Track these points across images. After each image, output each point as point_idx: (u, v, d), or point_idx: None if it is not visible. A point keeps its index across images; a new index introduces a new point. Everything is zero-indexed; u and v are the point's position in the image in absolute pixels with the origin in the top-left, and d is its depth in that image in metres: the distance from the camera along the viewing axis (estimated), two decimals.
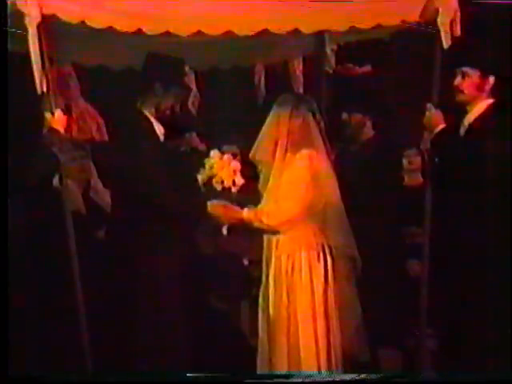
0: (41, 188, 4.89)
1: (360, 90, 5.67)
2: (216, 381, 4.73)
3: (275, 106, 4.82)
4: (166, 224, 5.09)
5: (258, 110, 6.65)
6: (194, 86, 6.51)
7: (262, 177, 4.85)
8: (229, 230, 5.27)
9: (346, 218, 4.79)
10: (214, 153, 4.96)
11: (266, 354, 4.82)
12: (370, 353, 4.99)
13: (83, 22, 4.63)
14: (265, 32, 4.90)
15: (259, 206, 4.78)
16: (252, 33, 4.87)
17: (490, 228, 4.78)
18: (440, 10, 4.97)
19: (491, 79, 4.90)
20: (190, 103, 6.49)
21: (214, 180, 4.89)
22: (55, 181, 4.84)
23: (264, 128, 4.80)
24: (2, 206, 4.39)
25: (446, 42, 4.99)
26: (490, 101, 4.92)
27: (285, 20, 4.89)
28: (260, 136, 4.80)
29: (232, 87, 6.77)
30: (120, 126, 5.22)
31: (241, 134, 5.59)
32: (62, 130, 4.76)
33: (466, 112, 4.97)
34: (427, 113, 5.06)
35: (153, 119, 5.15)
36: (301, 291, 4.74)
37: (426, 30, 5.03)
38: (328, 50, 6.01)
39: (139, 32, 4.74)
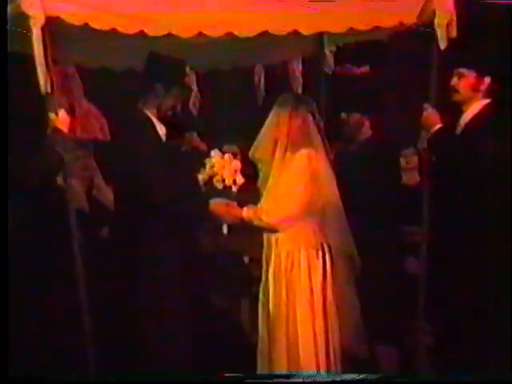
0: (45, 186, 4.86)
1: (358, 90, 5.70)
2: (216, 381, 4.74)
3: (275, 106, 4.85)
4: (167, 222, 5.09)
5: (258, 110, 6.65)
6: (194, 87, 6.51)
7: (261, 175, 4.88)
8: (229, 228, 5.33)
9: (344, 216, 4.82)
10: (215, 152, 5.01)
11: (266, 350, 4.86)
12: (368, 350, 5.03)
13: (86, 24, 4.64)
14: (265, 33, 4.91)
15: (259, 205, 4.82)
16: (252, 34, 4.88)
17: (487, 225, 4.83)
18: (437, 12, 4.99)
19: (487, 80, 4.96)
20: (190, 103, 6.49)
21: (214, 179, 4.93)
22: (59, 179, 4.85)
23: (264, 127, 4.84)
24: (4, 205, 4.40)
25: (442, 44, 5.00)
26: (486, 101, 4.98)
27: (284, 22, 4.90)
28: (260, 135, 4.84)
29: (232, 88, 6.77)
30: (122, 126, 5.20)
31: (241, 134, 5.57)
32: (65, 130, 4.76)
33: (462, 112, 5.03)
34: (424, 113, 5.09)
35: (154, 119, 5.15)
36: (300, 288, 4.78)
37: (423, 32, 5.05)
38: (327, 51, 6.02)
39: (141, 34, 4.74)
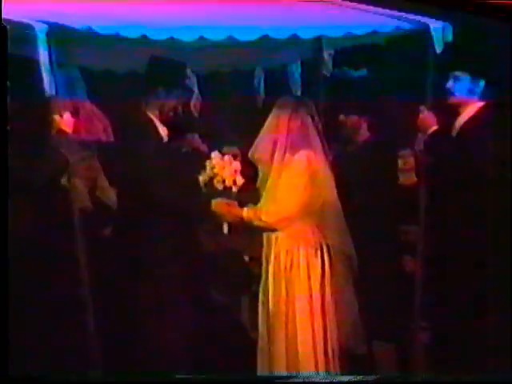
0: (49, 187, 4.89)
1: (356, 92, 5.68)
2: (216, 381, 4.76)
3: (275, 109, 4.86)
4: (169, 222, 5.12)
5: (258, 112, 6.61)
6: (195, 89, 6.49)
7: (261, 176, 4.90)
8: (229, 228, 5.36)
9: (343, 216, 4.85)
10: (215, 153, 5.03)
11: (265, 348, 4.87)
12: (366, 348, 5.07)
13: (90, 29, 4.72)
14: (265, 37, 4.99)
15: (258, 205, 4.84)
16: (252, 38, 4.96)
17: (483, 224, 4.86)
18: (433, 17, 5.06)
19: (481, 83, 5.01)
20: (191, 105, 6.47)
21: (215, 180, 4.94)
22: (63, 180, 4.88)
23: (264, 129, 4.85)
24: (5, 204, 4.35)
25: (438, 47, 5.08)
26: (481, 103, 5.03)
27: (284, 26, 4.98)
28: (260, 137, 4.85)
29: (232, 90, 6.77)
30: (125, 128, 5.25)
31: (241, 136, 5.59)
32: (70, 132, 4.83)
33: (457, 114, 5.07)
34: (420, 115, 5.14)
35: (157, 121, 5.19)
36: (299, 286, 4.80)
37: (419, 36, 5.12)
38: (325, 55, 6.05)
39: (143, 38, 4.82)
